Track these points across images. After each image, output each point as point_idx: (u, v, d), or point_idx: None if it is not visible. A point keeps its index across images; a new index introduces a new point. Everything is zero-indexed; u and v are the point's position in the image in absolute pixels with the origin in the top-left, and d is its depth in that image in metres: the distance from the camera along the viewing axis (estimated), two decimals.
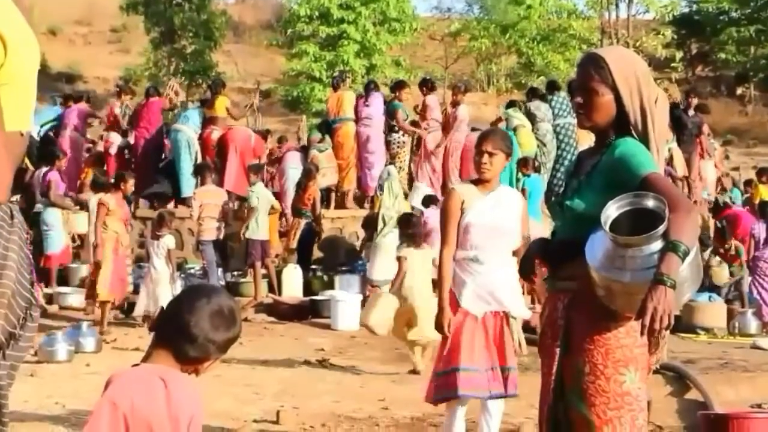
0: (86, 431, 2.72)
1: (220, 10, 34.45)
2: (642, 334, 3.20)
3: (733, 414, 6.45)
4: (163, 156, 16.42)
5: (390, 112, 15.62)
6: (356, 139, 15.59)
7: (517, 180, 14.06)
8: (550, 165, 15.65)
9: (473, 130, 16.06)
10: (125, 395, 2.74)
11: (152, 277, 11.64)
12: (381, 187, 13.95)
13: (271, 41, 37.76)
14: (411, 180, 15.56)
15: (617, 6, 33.95)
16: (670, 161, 15.09)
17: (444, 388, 5.51)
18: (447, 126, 15.43)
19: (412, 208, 14.14)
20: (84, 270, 14.05)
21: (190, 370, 2.88)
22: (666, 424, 7.41)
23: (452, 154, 15.26)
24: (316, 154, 15.29)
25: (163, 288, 11.53)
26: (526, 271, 3.87)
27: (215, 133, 15.57)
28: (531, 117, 15.75)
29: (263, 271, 13.18)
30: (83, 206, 14.78)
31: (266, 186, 15.40)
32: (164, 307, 2.95)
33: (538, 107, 15.86)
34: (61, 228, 14.10)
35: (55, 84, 34.57)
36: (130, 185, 12.38)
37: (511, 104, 16.74)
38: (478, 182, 5.66)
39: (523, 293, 6.03)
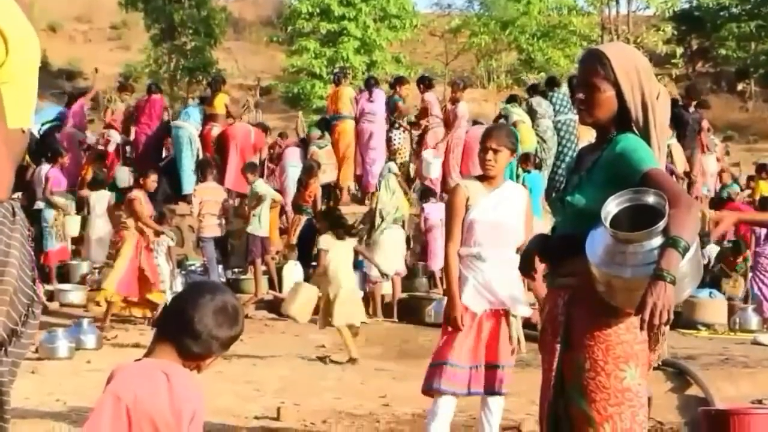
0: (89, 424, 2.73)
1: (220, 6, 34.38)
2: (642, 329, 3.20)
3: (733, 410, 6.45)
4: (163, 153, 16.45)
5: (391, 106, 15.64)
6: (357, 136, 15.58)
7: (518, 176, 14.06)
8: (551, 161, 15.63)
9: (474, 123, 16.08)
10: (128, 389, 2.75)
11: None
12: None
13: (272, 38, 37.72)
14: (410, 178, 15.55)
15: (617, 2, 33.92)
16: (670, 157, 15.08)
17: (430, 379, 5.54)
18: (447, 123, 15.42)
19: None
20: (84, 267, 14.07)
21: (192, 366, 2.89)
22: (666, 420, 7.42)
23: (453, 150, 15.26)
24: (316, 150, 15.29)
25: (164, 285, 11.52)
26: (525, 268, 3.87)
27: (215, 130, 15.59)
28: (532, 113, 15.73)
29: (263, 267, 13.19)
30: (83, 203, 14.80)
31: (267, 183, 15.42)
32: (167, 303, 2.96)
33: (540, 103, 15.85)
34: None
35: (55, 81, 34.59)
36: (152, 181, 12.18)
37: (511, 99, 16.72)
38: (483, 178, 5.65)
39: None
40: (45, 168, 14.36)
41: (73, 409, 7.33)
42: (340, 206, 15.15)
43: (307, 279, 13.50)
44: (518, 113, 15.56)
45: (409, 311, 12.47)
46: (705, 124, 17.08)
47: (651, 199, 3.32)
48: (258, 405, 7.76)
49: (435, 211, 13.07)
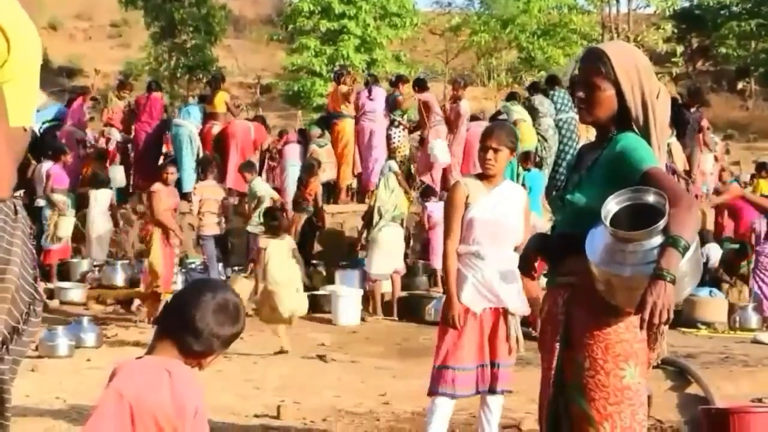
0: (91, 421, 2.73)
1: (220, 4, 34.37)
2: (641, 328, 3.20)
3: (733, 408, 6.45)
4: (163, 151, 16.43)
5: (390, 102, 15.65)
6: (357, 135, 15.58)
7: (518, 175, 14.05)
8: (552, 160, 15.62)
9: (473, 119, 16.07)
10: (130, 386, 2.76)
11: None
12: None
13: (272, 36, 37.71)
14: (410, 176, 15.55)
15: (618, 0, 33.92)
16: (670, 156, 15.07)
17: (438, 383, 5.52)
18: (449, 121, 15.42)
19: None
20: (85, 265, 14.06)
21: (194, 364, 2.89)
22: (666, 419, 7.41)
23: (455, 148, 15.24)
24: (316, 149, 15.30)
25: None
26: (525, 268, 3.87)
27: (215, 128, 15.58)
28: (534, 112, 15.71)
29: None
30: (84, 201, 14.79)
31: (267, 181, 15.43)
32: (169, 301, 2.96)
33: (542, 102, 15.83)
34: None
35: (55, 79, 34.58)
36: (171, 173, 12.06)
37: (510, 97, 16.72)
38: (483, 177, 5.65)
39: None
40: (46, 165, 14.33)
41: (73, 407, 7.34)
42: (339, 204, 15.17)
43: (307, 277, 13.54)
44: (518, 111, 15.54)
45: (409, 309, 12.48)
46: (705, 123, 17.07)
47: (651, 198, 3.32)
48: (258, 403, 7.76)
49: (438, 209, 13.06)
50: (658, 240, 3.24)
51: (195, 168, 14.76)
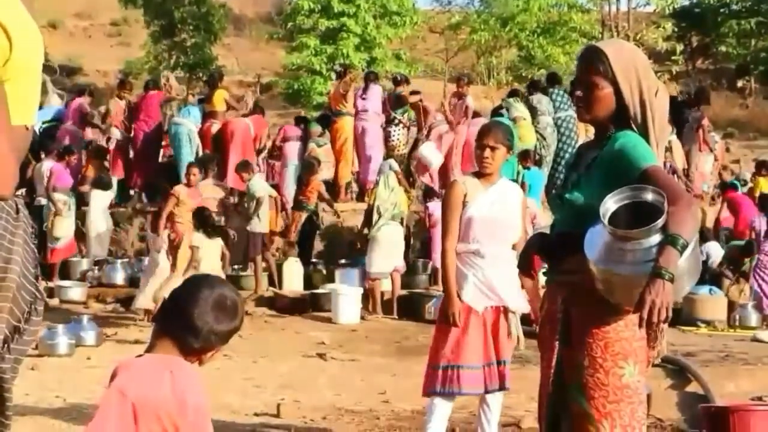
0: (95, 421, 2.74)
1: (219, 3, 34.35)
2: (640, 326, 3.21)
3: (733, 407, 6.46)
4: (162, 150, 16.43)
5: (394, 100, 15.67)
6: (354, 133, 15.61)
7: (517, 173, 14.06)
8: (551, 158, 15.62)
9: (474, 116, 16.06)
10: (133, 384, 2.76)
11: (153, 271, 11.63)
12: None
13: (272, 35, 37.66)
14: (409, 174, 15.55)
15: None
16: (670, 154, 15.06)
17: (447, 383, 5.52)
18: (447, 119, 15.41)
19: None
20: (85, 264, 14.06)
21: (193, 360, 2.89)
22: (666, 417, 7.42)
23: (457, 147, 15.24)
24: (315, 147, 15.30)
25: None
26: (525, 267, 3.87)
27: (214, 127, 15.57)
28: (533, 110, 15.71)
29: (263, 264, 13.20)
30: (84, 199, 14.79)
31: (267, 179, 15.42)
32: (166, 298, 2.96)
33: (540, 100, 15.83)
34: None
35: (55, 77, 34.54)
36: (195, 174, 12.14)
37: (512, 94, 16.72)
38: (480, 175, 5.66)
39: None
40: (47, 164, 14.31)
41: (72, 405, 7.34)
42: (338, 203, 15.17)
43: (307, 275, 13.55)
44: (519, 108, 15.53)
45: (409, 308, 12.48)
46: (705, 122, 17.03)
47: (650, 196, 3.32)
48: (258, 401, 7.77)
49: (439, 208, 13.04)
50: (656, 238, 3.24)
51: (197, 165, 14.72)
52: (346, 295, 12.14)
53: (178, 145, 15.36)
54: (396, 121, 15.69)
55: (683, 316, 11.94)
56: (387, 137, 15.64)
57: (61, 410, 7.20)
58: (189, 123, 15.40)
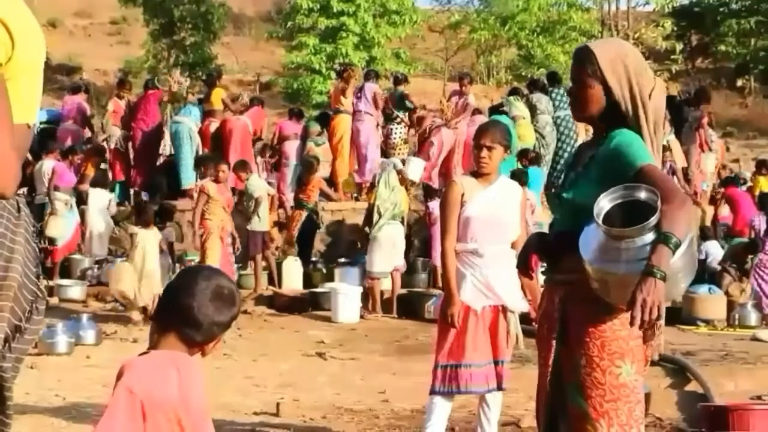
0: (104, 420, 2.74)
1: (219, 2, 34.32)
2: (632, 325, 3.21)
3: (732, 406, 6.46)
4: (161, 149, 16.42)
5: (397, 99, 15.67)
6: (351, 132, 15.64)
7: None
8: (550, 157, 15.63)
9: (475, 112, 16.06)
10: (140, 382, 2.77)
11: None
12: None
13: (271, 33, 37.64)
14: None
15: None
16: (669, 153, 15.05)
17: (450, 382, 5.52)
18: (455, 113, 15.42)
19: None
20: (85, 262, 14.05)
21: (197, 352, 2.90)
22: (665, 416, 7.42)
23: (458, 146, 15.22)
24: (313, 146, 15.29)
25: (163, 280, 11.50)
26: (524, 266, 3.88)
27: (213, 126, 15.57)
28: (532, 109, 15.72)
29: (263, 263, 13.20)
30: (83, 198, 14.77)
31: (266, 177, 15.42)
32: (163, 293, 2.96)
33: (540, 99, 15.84)
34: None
35: (55, 76, 34.54)
36: (223, 171, 12.06)
37: (513, 92, 16.72)
38: (478, 175, 5.67)
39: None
40: (48, 163, 14.30)
41: (72, 404, 7.35)
42: (335, 201, 15.16)
43: (307, 274, 13.56)
44: (519, 107, 15.54)
45: (409, 307, 12.48)
46: (705, 121, 17.01)
47: (643, 194, 3.33)
48: (257, 400, 7.77)
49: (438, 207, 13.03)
50: (651, 237, 3.24)
51: (194, 166, 14.72)
52: (345, 294, 12.14)
53: (179, 143, 15.37)
54: (398, 120, 15.69)
55: (683, 315, 11.94)
56: (388, 136, 15.63)
57: (60, 409, 7.20)
58: (189, 121, 15.41)
